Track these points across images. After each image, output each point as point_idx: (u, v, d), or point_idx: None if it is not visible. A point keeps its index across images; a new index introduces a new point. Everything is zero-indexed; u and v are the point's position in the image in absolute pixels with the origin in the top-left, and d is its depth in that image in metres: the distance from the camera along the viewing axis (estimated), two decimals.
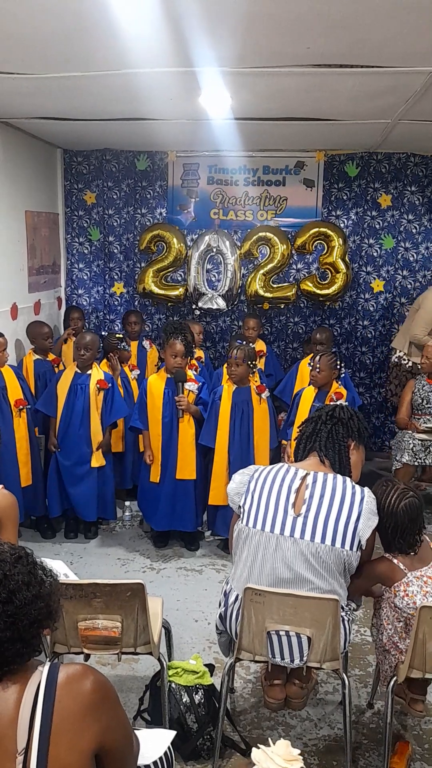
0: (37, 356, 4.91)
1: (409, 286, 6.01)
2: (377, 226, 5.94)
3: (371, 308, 6.09)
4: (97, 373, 4.54)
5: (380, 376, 6.18)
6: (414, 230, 5.91)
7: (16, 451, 4.24)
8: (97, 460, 4.53)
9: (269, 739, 1.36)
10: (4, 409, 4.22)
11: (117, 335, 5.17)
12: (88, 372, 4.52)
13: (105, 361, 5.05)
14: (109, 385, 4.53)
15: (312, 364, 4.47)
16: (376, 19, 2.64)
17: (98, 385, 4.47)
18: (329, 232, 5.88)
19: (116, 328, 6.22)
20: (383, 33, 2.80)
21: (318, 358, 4.45)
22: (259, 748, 1.33)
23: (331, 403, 2.63)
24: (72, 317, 5.69)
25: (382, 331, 6.12)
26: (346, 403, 3.06)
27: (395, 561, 2.51)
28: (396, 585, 2.48)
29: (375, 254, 5.99)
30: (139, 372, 5.37)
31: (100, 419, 4.51)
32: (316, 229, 5.90)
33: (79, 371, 4.52)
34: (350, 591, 2.43)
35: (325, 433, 2.52)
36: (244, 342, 4.88)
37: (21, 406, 4.26)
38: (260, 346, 5.73)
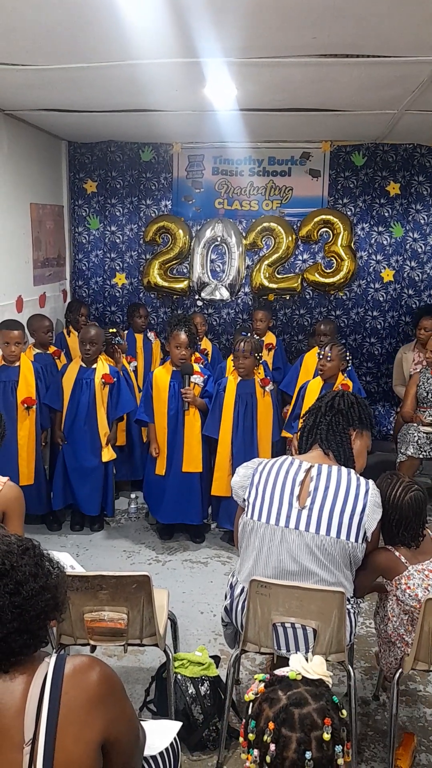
0: (38, 350, 4.92)
1: (416, 278, 5.98)
2: (386, 214, 5.90)
3: (381, 298, 6.06)
4: (103, 367, 4.53)
5: (388, 366, 6.16)
6: (422, 221, 5.88)
7: (17, 449, 4.23)
8: (108, 455, 4.54)
9: (310, 653, 1.41)
10: (10, 404, 4.22)
11: (111, 329, 5.15)
12: (93, 366, 4.52)
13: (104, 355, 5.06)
14: (115, 379, 4.52)
15: (322, 353, 4.44)
16: (382, 9, 2.61)
17: (103, 380, 4.47)
18: (333, 219, 5.85)
19: (118, 320, 6.22)
20: (389, 23, 2.77)
21: (329, 347, 4.42)
22: (297, 653, 1.38)
23: (332, 392, 2.61)
24: (82, 313, 5.67)
25: (391, 322, 6.10)
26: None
27: (396, 553, 2.52)
28: (397, 578, 2.48)
29: (385, 242, 5.95)
30: (136, 363, 5.37)
31: (106, 413, 4.52)
32: (321, 217, 5.87)
33: (84, 365, 4.51)
34: (357, 587, 2.43)
35: (324, 425, 2.50)
36: (249, 334, 4.87)
37: (27, 405, 4.26)
38: (270, 338, 5.72)
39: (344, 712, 1.27)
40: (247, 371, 4.35)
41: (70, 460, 4.51)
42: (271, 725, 1.20)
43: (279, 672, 1.32)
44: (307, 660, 1.38)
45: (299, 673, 1.29)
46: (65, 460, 4.52)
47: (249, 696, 1.30)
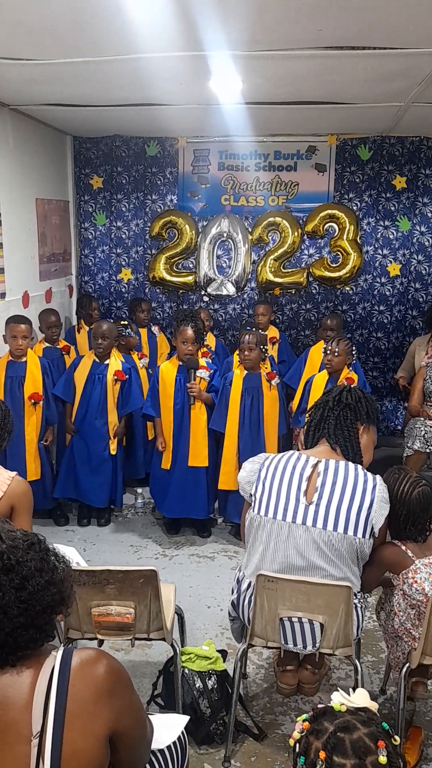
0: (47, 344, 4.92)
1: (423, 272, 5.95)
2: (392, 208, 5.87)
3: (387, 293, 6.03)
4: (116, 363, 4.54)
5: (394, 361, 6.14)
6: (429, 214, 5.84)
7: (25, 445, 4.25)
8: (114, 447, 4.55)
9: (350, 689, 1.35)
10: (17, 400, 4.23)
11: (122, 322, 5.15)
12: (106, 362, 4.52)
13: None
14: (127, 376, 4.52)
15: (329, 348, 4.42)
16: (387, 1, 2.59)
17: (115, 377, 4.48)
18: (339, 213, 5.83)
19: (124, 315, 6.21)
20: (395, 15, 2.75)
21: (336, 342, 4.41)
22: (338, 690, 1.32)
23: (338, 386, 2.60)
24: (93, 307, 5.66)
25: (398, 316, 6.07)
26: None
27: (403, 548, 2.51)
28: (404, 572, 2.48)
29: (391, 236, 5.92)
30: (148, 359, 5.36)
31: (116, 409, 4.53)
32: (326, 212, 5.85)
33: (97, 360, 4.52)
34: (364, 582, 2.43)
35: (333, 420, 2.50)
36: (254, 328, 4.88)
37: (34, 401, 4.27)
38: (273, 332, 5.71)
39: (397, 738, 1.20)
40: (253, 364, 4.35)
41: (80, 453, 4.53)
42: (322, 754, 1.13)
43: (321, 706, 1.27)
44: (350, 692, 1.32)
45: (343, 704, 1.24)
46: (75, 453, 4.54)
47: (295, 736, 1.23)
